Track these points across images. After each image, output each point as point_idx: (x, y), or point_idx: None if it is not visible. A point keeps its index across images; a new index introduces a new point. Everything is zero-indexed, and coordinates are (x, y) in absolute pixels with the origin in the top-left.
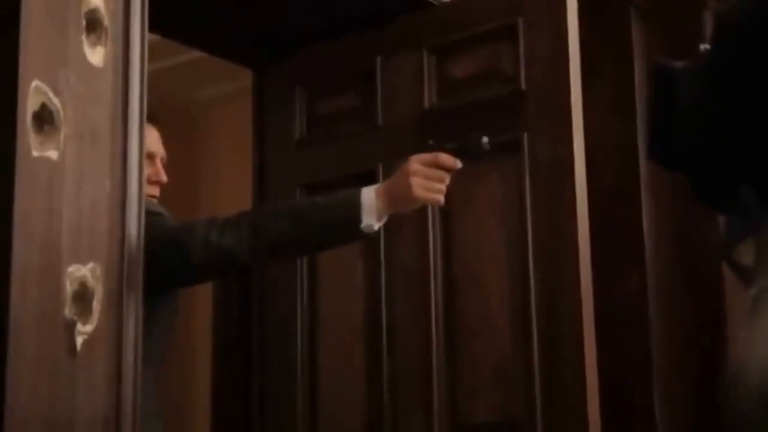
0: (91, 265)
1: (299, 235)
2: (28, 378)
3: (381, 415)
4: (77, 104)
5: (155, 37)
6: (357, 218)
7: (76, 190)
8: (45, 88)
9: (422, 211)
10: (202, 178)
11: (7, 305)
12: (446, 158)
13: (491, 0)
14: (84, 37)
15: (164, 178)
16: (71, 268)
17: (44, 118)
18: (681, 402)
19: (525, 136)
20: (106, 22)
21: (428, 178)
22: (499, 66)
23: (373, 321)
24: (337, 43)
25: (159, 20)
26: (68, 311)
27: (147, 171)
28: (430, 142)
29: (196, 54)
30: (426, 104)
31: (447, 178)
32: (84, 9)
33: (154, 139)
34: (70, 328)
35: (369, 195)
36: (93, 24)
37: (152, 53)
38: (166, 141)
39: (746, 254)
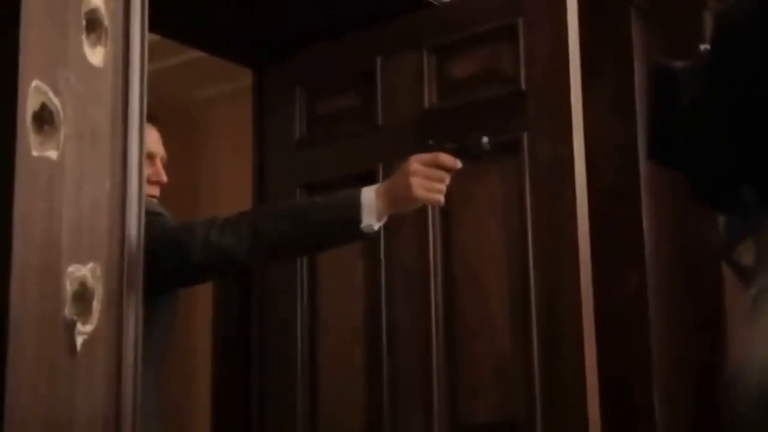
0: (91, 265)
1: (299, 235)
2: (28, 378)
3: (381, 415)
4: (77, 104)
5: (155, 37)
6: (357, 218)
7: (76, 190)
8: (45, 88)
9: (422, 211)
10: (202, 178)
11: (7, 305)
12: (446, 158)
13: (491, 0)
14: (84, 37)
15: (164, 178)
16: (71, 268)
17: (44, 118)
18: (681, 402)
19: (525, 136)
20: (106, 22)
21: (428, 178)
22: (499, 66)
23: (373, 321)
24: (337, 43)
25: (159, 20)
26: (68, 311)
27: (147, 171)
28: (430, 142)
29: (196, 54)
30: (426, 104)
31: (447, 178)
32: (84, 9)
33: (154, 139)
34: (70, 328)
35: (369, 195)
36: (93, 24)
37: (152, 53)
38: (166, 141)
39: (746, 254)
